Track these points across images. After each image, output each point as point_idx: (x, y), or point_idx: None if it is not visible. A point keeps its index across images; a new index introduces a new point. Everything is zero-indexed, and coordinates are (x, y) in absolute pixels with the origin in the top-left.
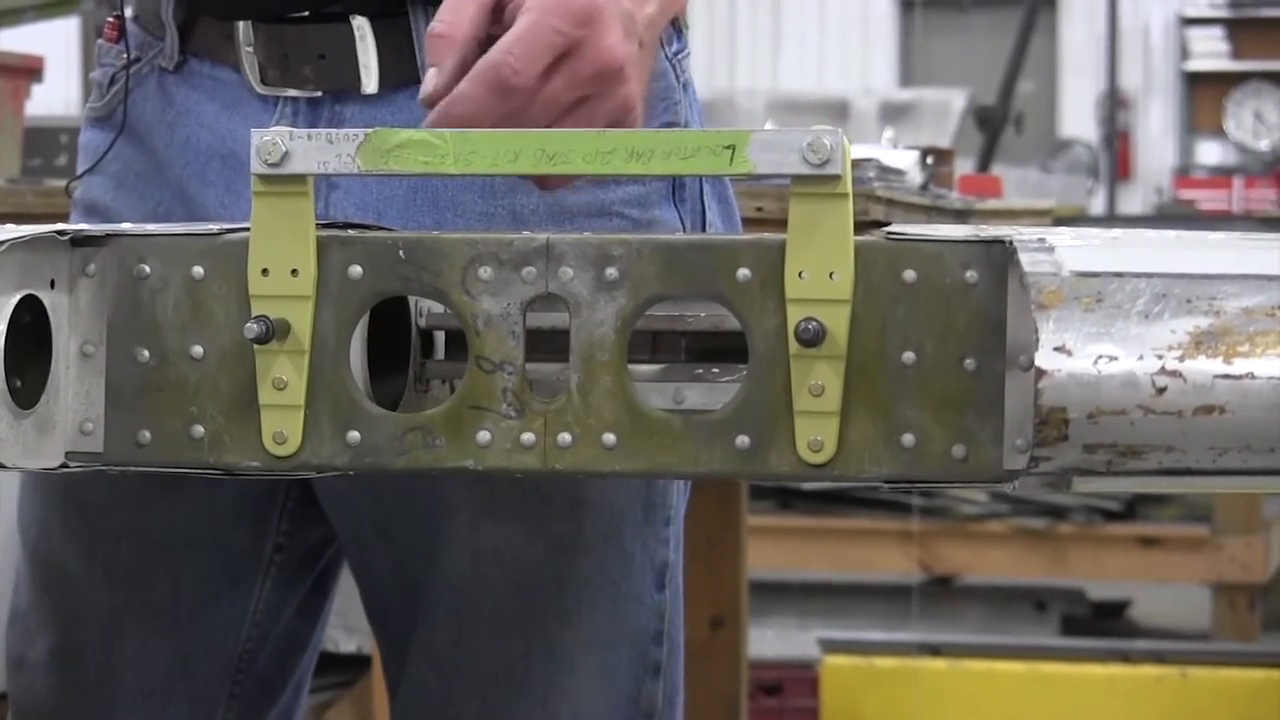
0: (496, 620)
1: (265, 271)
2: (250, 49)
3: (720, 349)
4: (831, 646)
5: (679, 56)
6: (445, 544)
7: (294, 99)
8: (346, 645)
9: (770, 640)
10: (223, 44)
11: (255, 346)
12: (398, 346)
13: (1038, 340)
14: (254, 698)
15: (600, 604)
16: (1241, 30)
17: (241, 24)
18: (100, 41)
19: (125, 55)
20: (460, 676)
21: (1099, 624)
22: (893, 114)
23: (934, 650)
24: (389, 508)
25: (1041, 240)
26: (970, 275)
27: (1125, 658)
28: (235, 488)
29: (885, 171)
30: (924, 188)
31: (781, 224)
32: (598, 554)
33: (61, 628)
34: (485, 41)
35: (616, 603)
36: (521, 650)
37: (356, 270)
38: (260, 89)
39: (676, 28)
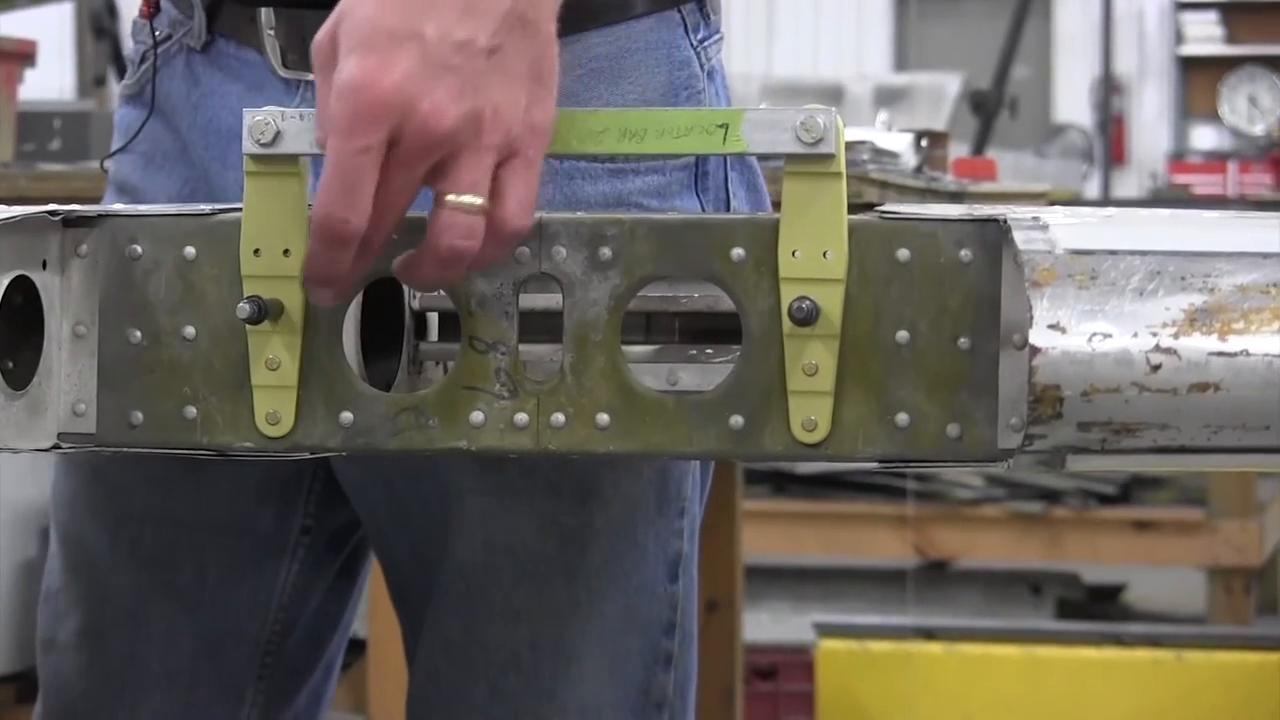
0: (506, 609)
1: (257, 252)
2: (271, 32)
3: (714, 330)
4: (827, 630)
5: (705, 43)
6: (456, 531)
7: (315, 83)
8: None
9: (765, 624)
10: (247, 26)
11: (248, 327)
12: (392, 328)
13: (1032, 318)
14: (283, 680)
15: (611, 595)
16: (1236, 15)
17: (264, 7)
18: (135, 18)
19: (155, 33)
20: (470, 662)
21: (1094, 608)
22: (887, 98)
23: (929, 634)
24: (402, 493)
25: (1036, 219)
26: (964, 254)
27: (1120, 641)
28: (261, 470)
29: (879, 154)
30: (918, 171)
31: (775, 206)
32: (609, 545)
33: (89, 609)
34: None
35: (628, 594)
36: (530, 640)
37: None
38: (283, 72)
39: (704, 14)
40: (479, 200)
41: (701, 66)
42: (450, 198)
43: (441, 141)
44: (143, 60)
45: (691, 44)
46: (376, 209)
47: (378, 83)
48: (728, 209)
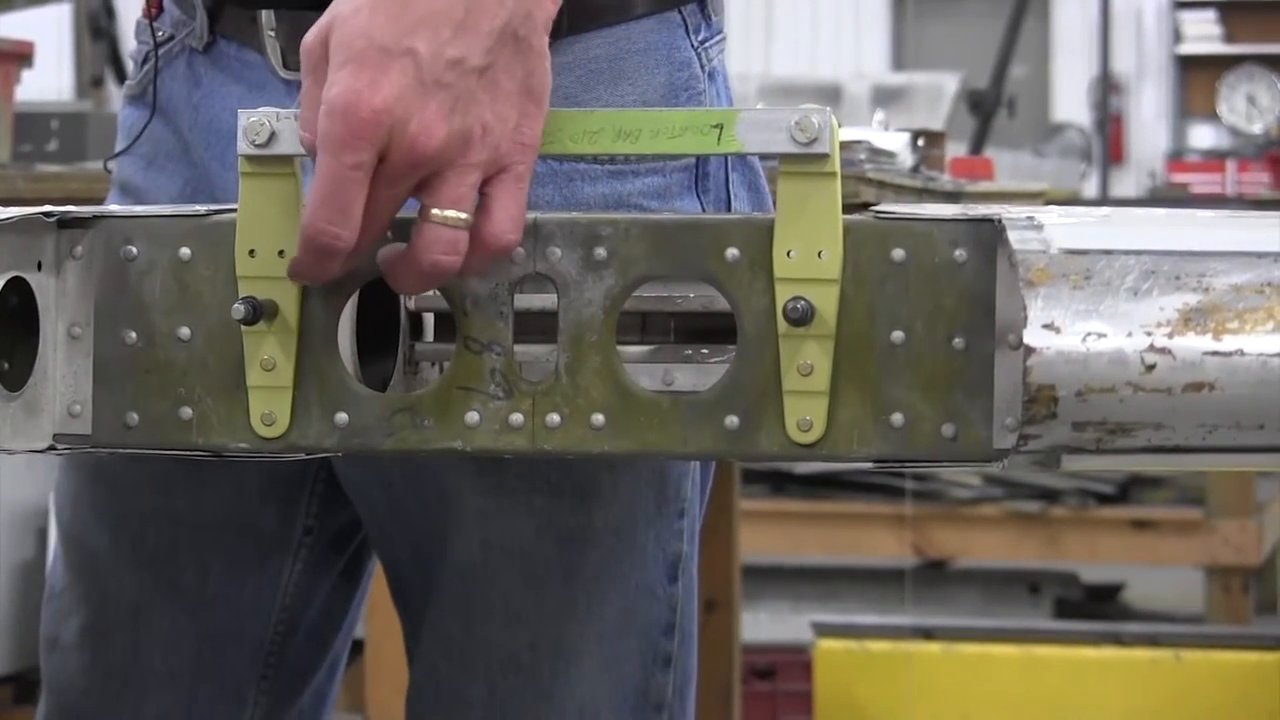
0: (505, 610)
1: (252, 253)
2: (272, 33)
3: (710, 330)
4: (825, 630)
5: (706, 45)
6: (454, 532)
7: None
8: None
9: (763, 624)
10: (248, 27)
11: (243, 328)
12: (387, 329)
13: (1026, 318)
14: (286, 680)
15: (610, 596)
16: (1234, 13)
17: (265, 9)
18: (139, 18)
19: (156, 33)
20: (469, 663)
21: (1092, 607)
22: (885, 98)
23: (927, 634)
24: (401, 493)
25: (1030, 218)
26: (959, 254)
27: (1119, 641)
28: (263, 470)
29: (876, 154)
30: (915, 170)
31: None
32: (608, 546)
33: (92, 608)
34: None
35: (626, 595)
36: (529, 640)
37: None
38: (283, 74)
39: (705, 14)
40: (463, 215)
41: (702, 67)
42: (434, 212)
43: (428, 160)
44: (145, 61)
45: (692, 45)
46: (363, 221)
47: (369, 101)
48: (729, 210)
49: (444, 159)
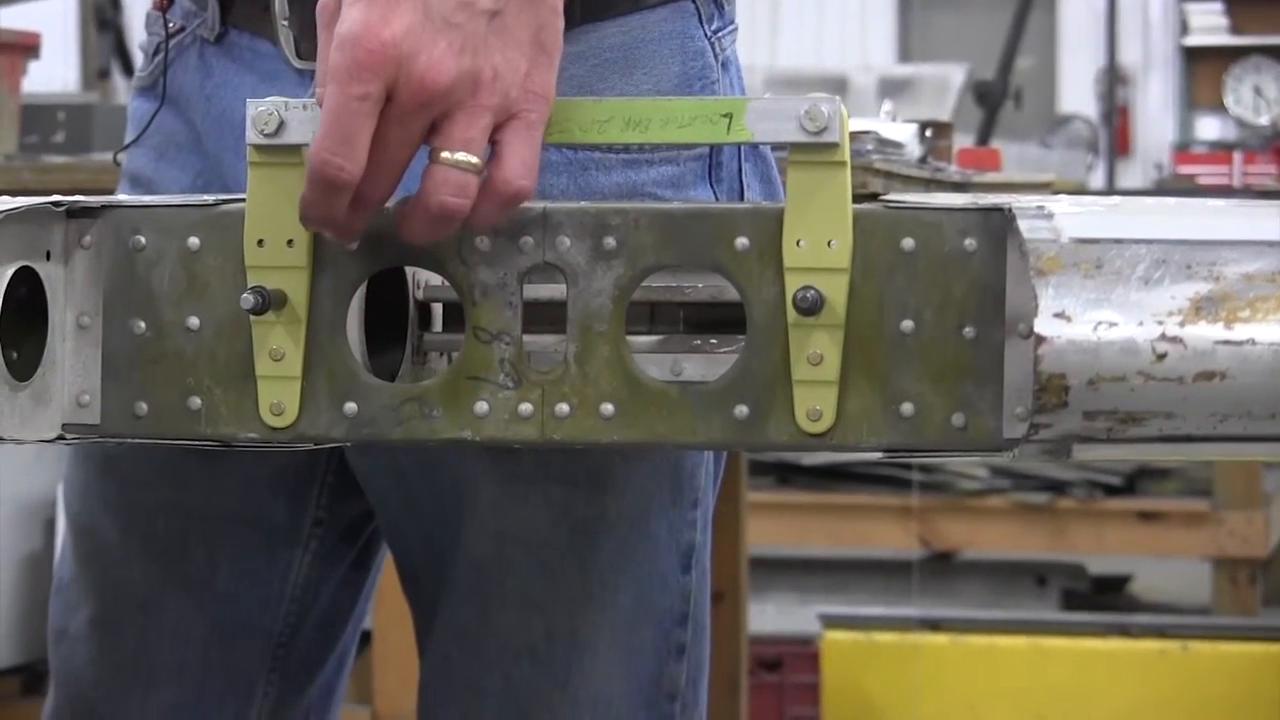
0: (519, 600)
1: (261, 242)
2: (285, 23)
3: (719, 320)
4: (832, 622)
5: (719, 34)
6: (469, 522)
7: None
8: None
9: (770, 615)
10: (261, 17)
11: (251, 317)
12: (396, 319)
13: (1037, 307)
14: (295, 672)
15: (624, 586)
16: (1240, 5)
17: None
18: (149, 10)
19: (168, 24)
20: (483, 652)
21: (1099, 599)
22: (892, 90)
23: (934, 625)
24: (414, 483)
25: (1040, 207)
26: (969, 243)
27: (1126, 632)
28: (273, 462)
29: (883, 144)
30: (922, 161)
31: None
32: (622, 536)
33: (101, 599)
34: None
35: (640, 585)
36: (543, 630)
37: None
38: (296, 63)
39: (718, 4)
40: (473, 159)
41: (716, 57)
42: (444, 154)
43: (438, 97)
44: (156, 52)
45: (706, 34)
46: (373, 163)
47: (378, 33)
48: (741, 200)
49: (453, 98)
